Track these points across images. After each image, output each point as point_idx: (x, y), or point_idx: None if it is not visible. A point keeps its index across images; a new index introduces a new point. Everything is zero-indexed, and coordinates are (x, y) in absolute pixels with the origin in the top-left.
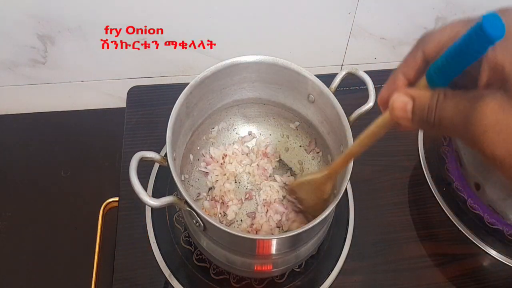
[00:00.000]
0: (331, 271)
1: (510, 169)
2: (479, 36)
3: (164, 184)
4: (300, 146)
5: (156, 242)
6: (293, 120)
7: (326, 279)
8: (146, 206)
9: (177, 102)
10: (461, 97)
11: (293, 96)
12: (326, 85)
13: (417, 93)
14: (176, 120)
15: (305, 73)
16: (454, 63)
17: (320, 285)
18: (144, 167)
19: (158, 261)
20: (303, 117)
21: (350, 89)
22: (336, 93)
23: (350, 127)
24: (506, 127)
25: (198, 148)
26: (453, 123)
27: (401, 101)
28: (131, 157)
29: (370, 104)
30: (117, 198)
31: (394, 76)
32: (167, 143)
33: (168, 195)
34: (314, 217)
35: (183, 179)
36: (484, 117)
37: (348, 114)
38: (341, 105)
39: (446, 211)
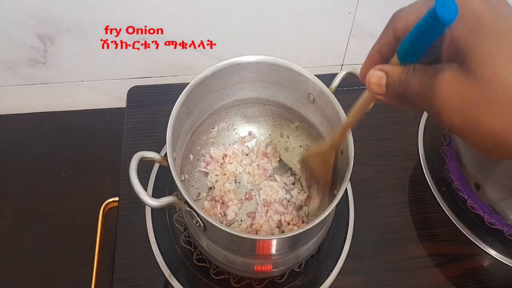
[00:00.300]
0: (331, 271)
1: (468, 137)
2: (434, 19)
3: (164, 184)
4: (300, 146)
5: (156, 242)
6: (293, 120)
7: (326, 279)
8: (146, 206)
9: (177, 102)
10: (425, 71)
11: (293, 96)
12: (326, 85)
13: (390, 68)
14: (176, 120)
15: (305, 73)
16: (418, 43)
17: (320, 285)
18: (144, 167)
19: (158, 261)
20: (303, 117)
21: (350, 89)
22: (336, 93)
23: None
24: (459, 97)
25: (198, 148)
26: (418, 96)
27: (376, 75)
28: (131, 157)
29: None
30: (117, 198)
31: (370, 53)
32: (167, 143)
33: (168, 195)
34: (324, 186)
35: (183, 179)
36: (441, 88)
37: (346, 107)
38: (341, 105)
39: (446, 211)
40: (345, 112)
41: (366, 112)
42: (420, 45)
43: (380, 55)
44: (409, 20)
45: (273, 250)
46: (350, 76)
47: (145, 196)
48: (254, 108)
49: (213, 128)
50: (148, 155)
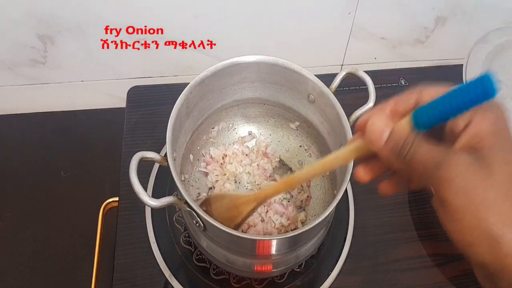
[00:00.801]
0: (331, 271)
1: (463, 220)
2: (477, 87)
3: (164, 184)
4: (300, 146)
5: (156, 242)
6: (293, 120)
7: (326, 279)
8: (146, 206)
9: (177, 102)
10: (437, 146)
11: (293, 96)
12: (326, 85)
13: (398, 124)
14: (176, 120)
15: (305, 73)
16: (444, 109)
17: (320, 285)
18: (144, 167)
19: (158, 261)
20: (303, 117)
21: (350, 89)
22: (336, 93)
23: (351, 127)
24: (469, 184)
25: (198, 148)
26: (424, 165)
27: (380, 125)
28: (131, 157)
29: (370, 104)
30: (117, 198)
31: (381, 107)
32: (167, 143)
33: (168, 195)
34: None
35: (183, 179)
36: (452, 170)
37: (348, 114)
38: (341, 105)
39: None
40: (345, 112)
41: (333, 168)
42: (445, 111)
43: (390, 113)
44: (410, 103)
45: (273, 251)
46: (350, 76)
47: (145, 196)
48: (254, 108)
49: (213, 128)
50: (148, 155)
